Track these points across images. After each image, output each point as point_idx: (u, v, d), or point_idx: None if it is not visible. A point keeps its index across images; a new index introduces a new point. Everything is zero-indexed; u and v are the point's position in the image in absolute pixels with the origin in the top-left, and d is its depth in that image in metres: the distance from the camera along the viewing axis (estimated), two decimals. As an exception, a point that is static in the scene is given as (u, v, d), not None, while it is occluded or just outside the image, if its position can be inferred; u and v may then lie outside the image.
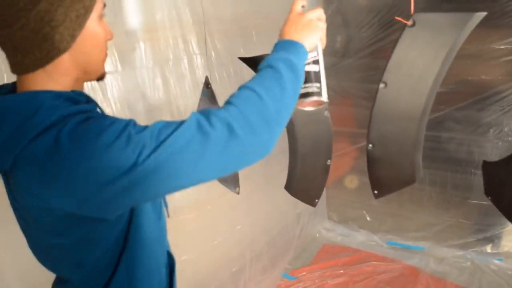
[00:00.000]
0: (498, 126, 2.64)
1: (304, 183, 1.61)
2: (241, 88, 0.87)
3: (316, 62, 1.05)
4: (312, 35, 0.97)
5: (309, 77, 1.04)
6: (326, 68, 1.07)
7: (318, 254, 3.09)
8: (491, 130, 2.67)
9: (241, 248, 2.44)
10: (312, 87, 1.05)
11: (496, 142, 2.67)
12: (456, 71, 2.64)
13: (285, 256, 2.91)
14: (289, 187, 1.65)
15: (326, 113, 1.48)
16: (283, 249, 2.89)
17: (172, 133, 0.78)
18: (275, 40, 0.99)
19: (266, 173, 2.54)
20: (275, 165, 2.55)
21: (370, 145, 1.36)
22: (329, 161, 1.56)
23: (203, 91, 1.73)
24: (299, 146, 1.50)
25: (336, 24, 3.02)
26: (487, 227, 2.83)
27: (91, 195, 0.77)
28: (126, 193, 0.77)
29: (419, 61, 1.25)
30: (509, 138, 2.63)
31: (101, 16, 0.87)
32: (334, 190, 3.39)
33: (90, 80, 0.93)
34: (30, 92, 0.81)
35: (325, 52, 1.06)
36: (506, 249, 2.82)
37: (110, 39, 0.91)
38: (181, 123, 0.80)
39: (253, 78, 0.88)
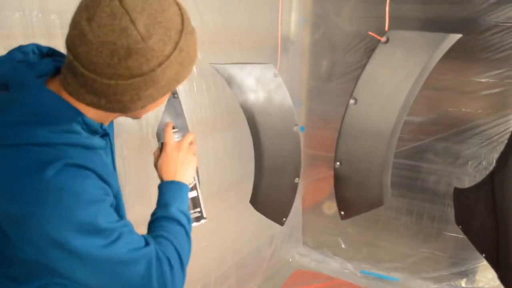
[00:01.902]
0: (476, 159, 2.63)
1: (270, 200, 1.55)
2: (163, 238, 0.93)
3: (193, 187, 1.24)
4: (190, 170, 1.11)
5: (190, 205, 1.22)
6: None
7: (289, 279, 3.02)
8: (469, 162, 2.66)
9: (207, 266, 2.35)
10: (195, 213, 1.26)
11: (474, 175, 2.65)
12: (436, 102, 2.65)
13: (254, 279, 2.82)
14: (254, 202, 1.59)
15: (296, 128, 1.44)
16: (252, 271, 2.81)
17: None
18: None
19: (238, 191, 2.48)
20: (248, 183, 2.49)
21: (338, 163, 1.32)
22: (297, 179, 1.50)
23: (169, 100, 1.69)
24: (264, 160, 1.45)
25: (322, 48, 3.03)
26: (462, 261, 2.80)
27: (37, 238, 0.74)
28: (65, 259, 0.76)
29: (391, 78, 1.22)
30: (487, 172, 2.62)
31: None
32: (310, 215, 3.34)
33: None
34: (66, 105, 0.80)
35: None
36: (480, 284, 2.78)
37: None
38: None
39: (165, 231, 0.96)
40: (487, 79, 2.50)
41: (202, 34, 2.07)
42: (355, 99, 1.25)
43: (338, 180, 1.36)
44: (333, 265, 3.16)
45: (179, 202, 1.01)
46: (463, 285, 2.81)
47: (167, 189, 1.03)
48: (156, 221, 0.97)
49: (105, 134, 0.91)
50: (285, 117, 1.42)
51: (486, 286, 2.75)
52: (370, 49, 2.77)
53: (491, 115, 2.54)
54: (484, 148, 2.59)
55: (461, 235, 1.50)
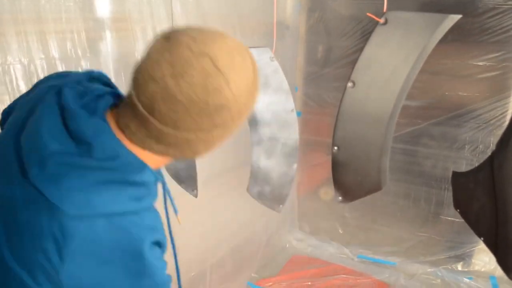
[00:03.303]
0: (474, 143, 2.62)
1: (267, 187, 1.53)
2: None
3: None
4: None
5: None
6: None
7: (286, 265, 3.01)
8: (466, 146, 2.65)
9: (202, 252, 2.34)
10: None
11: (471, 159, 2.64)
12: (433, 86, 2.63)
13: (250, 265, 2.82)
14: (251, 190, 1.57)
15: (293, 114, 1.42)
16: (248, 257, 2.81)
17: None
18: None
19: (234, 177, 2.47)
20: (242, 170, 2.48)
21: (335, 148, 1.29)
22: (294, 165, 1.48)
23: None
24: (262, 146, 1.43)
25: (318, 32, 2.99)
26: (458, 244, 2.80)
27: None
28: None
29: (390, 60, 1.20)
30: (484, 156, 2.61)
31: None
32: (307, 200, 3.33)
33: None
34: (149, 170, 0.79)
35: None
36: (476, 268, 2.79)
37: None
38: None
39: None
40: (484, 62, 2.47)
41: (198, 20, 2.04)
42: (353, 82, 1.23)
43: (336, 164, 1.34)
44: (330, 250, 3.15)
45: None
46: (460, 268, 2.82)
47: None
48: None
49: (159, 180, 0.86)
50: (282, 101, 1.39)
51: (483, 269, 2.76)
52: (367, 33, 2.74)
53: (488, 98, 2.52)
54: (481, 131, 2.57)
55: (458, 219, 1.48)
